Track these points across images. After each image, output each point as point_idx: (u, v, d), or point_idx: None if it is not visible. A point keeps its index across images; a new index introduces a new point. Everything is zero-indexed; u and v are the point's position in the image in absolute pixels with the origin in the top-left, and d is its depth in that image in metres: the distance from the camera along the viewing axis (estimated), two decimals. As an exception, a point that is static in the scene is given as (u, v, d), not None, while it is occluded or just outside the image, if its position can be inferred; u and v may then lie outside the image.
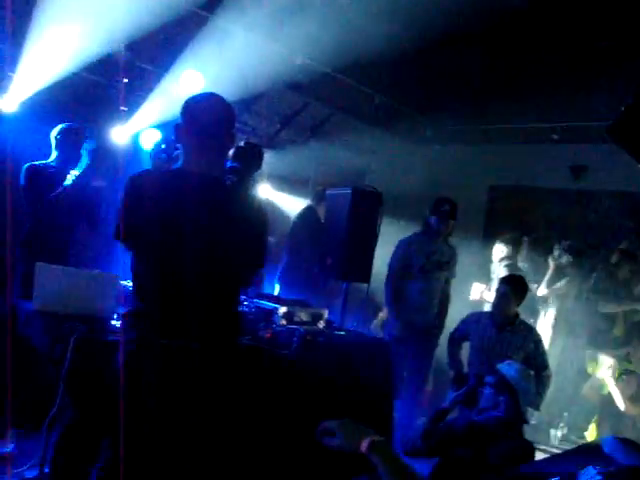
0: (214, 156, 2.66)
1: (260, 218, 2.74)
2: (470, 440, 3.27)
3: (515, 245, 7.04)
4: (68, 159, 4.73)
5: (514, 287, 4.89)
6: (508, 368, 3.66)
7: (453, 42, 5.93)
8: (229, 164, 3.66)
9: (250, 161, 2.96)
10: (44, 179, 4.64)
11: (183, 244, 2.53)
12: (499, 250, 6.98)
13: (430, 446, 3.38)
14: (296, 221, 6.46)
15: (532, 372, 3.95)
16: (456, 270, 5.67)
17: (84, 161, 4.77)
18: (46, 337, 3.44)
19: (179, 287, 2.54)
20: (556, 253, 6.80)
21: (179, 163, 2.67)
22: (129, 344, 2.57)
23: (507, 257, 6.88)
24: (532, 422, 5.13)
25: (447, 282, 5.64)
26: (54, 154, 4.79)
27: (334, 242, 5.02)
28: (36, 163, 4.71)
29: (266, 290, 5.12)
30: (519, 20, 5.57)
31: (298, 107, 7.40)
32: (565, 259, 6.75)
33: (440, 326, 5.58)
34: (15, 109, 5.43)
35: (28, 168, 4.66)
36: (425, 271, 5.44)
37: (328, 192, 5.40)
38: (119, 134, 6.14)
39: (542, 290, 6.62)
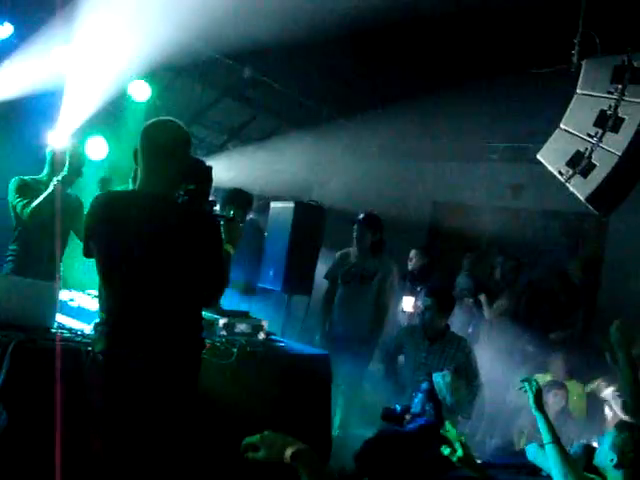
0: (166, 177, 2.79)
1: (212, 234, 2.85)
2: (400, 449, 3.37)
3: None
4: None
5: (439, 299, 4.96)
6: (439, 378, 3.81)
7: (393, 62, 6.10)
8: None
9: (202, 181, 3.03)
10: (34, 193, 4.47)
11: (138, 260, 2.68)
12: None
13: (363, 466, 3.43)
14: None
15: (463, 382, 4.10)
16: (392, 284, 5.67)
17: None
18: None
19: (136, 301, 2.71)
20: (497, 270, 7.00)
21: (136, 184, 2.84)
22: (92, 355, 2.77)
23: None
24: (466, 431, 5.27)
25: (380, 295, 5.58)
26: (46, 170, 4.69)
27: (276, 254, 5.12)
28: (25, 177, 4.58)
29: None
30: (457, 39, 5.77)
31: (246, 119, 7.48)
32: (506, 275, 6.95)
33: (370, 338, 5.53)
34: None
35: (17, 181, 4.50)
36: (345, 282, 5.55)
37: (272, 205, 5.50)
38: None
39: (487, 312, 6.74)
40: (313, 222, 5.17)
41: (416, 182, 8.20)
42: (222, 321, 4.16)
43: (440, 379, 3.84)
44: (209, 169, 3.05)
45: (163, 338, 2.74)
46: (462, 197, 8.35)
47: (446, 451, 2.98)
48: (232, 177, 6.55)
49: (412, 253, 7.33)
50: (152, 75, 6.41)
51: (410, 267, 7.34)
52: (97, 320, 2.87)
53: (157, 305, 2.73)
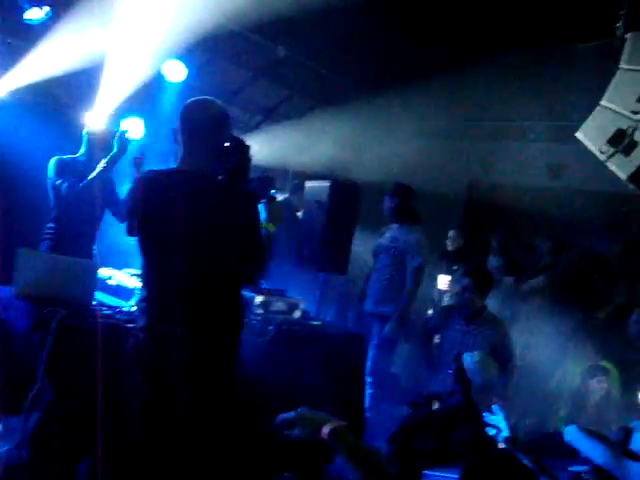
0: (206, 156, 2.83)
1: (251, 212, 2.87)
2: (429, 430, 3.36)
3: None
4: (96, 156, 4.60)
5: (477, 279, 4.89)
6: (470, 359, 3.78)
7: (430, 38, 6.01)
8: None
9: (242, 160, 3.05)
10: (73, 173, 4.52)
11: (179, 238, 2.71)
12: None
13: (396, 448, 3.42)
14: None
15: (496, 364, 4.05)
16: (422, 258, 5.39)
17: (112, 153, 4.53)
18: (26, 321, 3.50)
19: (178, 279, 2.73)
20: (536, 251, 6.90)
21: (176, 162, 2.87)
22: (134, 331, 2.81)
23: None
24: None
25: (409, 269, 5.35)
26: (82, 149, 4.75)
27: (312, 234, 5.11)
28: (64, 157, 4.65)
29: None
30: (495, 13, 5.65)
31: (280, 99, 7.46)
32: (544, 256, 6.85)
33: (394, 314, 5.32)
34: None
35: (56, 161, 4.54)
36: (374, 255, 5.54)
37: (307, 184, 5.48)
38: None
39: (521, 285, 6.69)
40: (349, 200, 5.13)
41: (452, 161, 8.10)
42: (259, 299, 4.20)
43: (469, 359, 3.80)
44: (248, 147, 3.07)
45: (204, 315, 2.77)
46: (499, 176, 8.23)
47: (492, 432, 2.96)
48: (267, 156, 6.56)
49: (450, 233, 7.28)
50: (187, 55, 6.41)
51: (448, 247, 7.29)
52: (139, 297, 2.92)
53: (198, 282, 2.76)
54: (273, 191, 3.30)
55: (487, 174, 8.45)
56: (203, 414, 2.77)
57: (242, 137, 3.33)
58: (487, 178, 8.51)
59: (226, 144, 2.91)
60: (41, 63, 5.90)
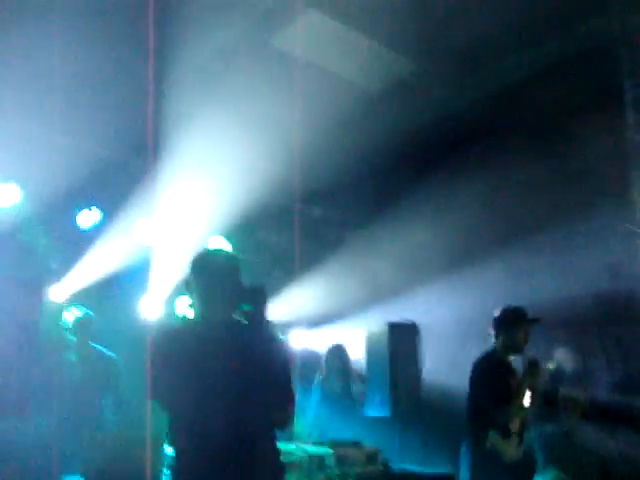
0: (225, 303, 2.80)
1: (282, 353, 2.85)
2: None
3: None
4: None
5: None
6: None
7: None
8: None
9: (258, 303, 3.03)
10: None
11: (215, 391, 2.60)
12: None
13: None
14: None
15: None
16: None
17: None
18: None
19: (217, 433, 2.59)
20: None
21: (194, 314, 2.83)
22: None
23: None
24: None
25: None
26: None
27: (379, 381, 4.99)
28: None
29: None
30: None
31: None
32: None
33: None
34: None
35: None
36: None
37: (367, 331, 5.42)
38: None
39: None
40: (409, 341, 5.05)
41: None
42: (334, 452, 4.00)
43: None
44: (263, 289, 3.05)
45: (244, 467, 2.62)
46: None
47: None
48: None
49: None
50: (230, 231, 6.68)
51: None
52: (169, 461, 2.80)
53: (238, 434, 2.62)
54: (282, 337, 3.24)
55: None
56: None
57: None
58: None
59: (243, 288, 2.88)
60: (95, 264, 6.21)
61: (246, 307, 2.81)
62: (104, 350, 5.14)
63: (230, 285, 2.81)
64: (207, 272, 2.81)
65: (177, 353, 2.67)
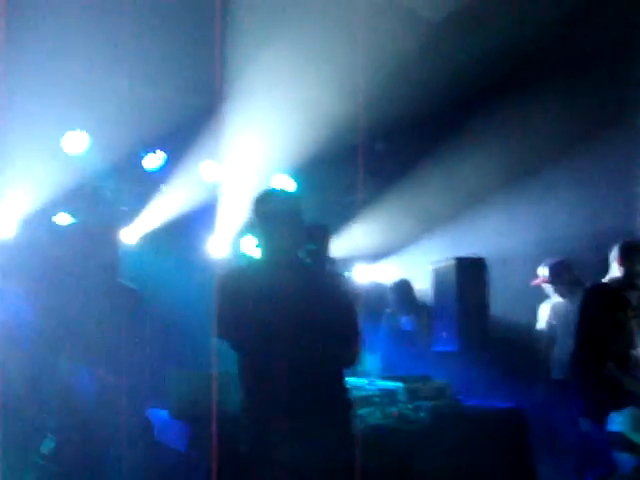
0: (288, 242, 2.83)
1: (346, 290, 2.88)
2: None
3: None
4: None
5: None
6: None
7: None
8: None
9: (321, 241, 3.05)
10: None
11: (279, 331, 2.65)
12: None
13: None
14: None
15: None
16: None
17: None
18: (183, 441, 3.55)
19: (287, 373, 2.65)
20: None
21: (259, 254, 2.88)
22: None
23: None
24: None
25: None
26: None
27: (446, 316, 5.01)
28: None
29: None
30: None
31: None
32: None
33: None
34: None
35: None
36: None
37: (433, 266, 5.42)
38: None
39: None
40: (477, 276, 5.03)
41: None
42: (403, 387, 4.09)
43: None
44: (325, 228, 3.05)
45: (312, 404, 2.69)
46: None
47: None
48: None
49: None
50: (295, 169, 6.70)
51: None
52: (243, 396, 2.84)
53: (302, 373, 2.68)
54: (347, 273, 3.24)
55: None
56: None
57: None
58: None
59: (305, 227, 2.90)
60: (165, 204, 6.35)
61: (309, 245, 2.84)
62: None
63: (292, 225, 2.83)
64: (269, 213, 2.84)
65: (243, 293, 2.71)
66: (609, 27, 5.08)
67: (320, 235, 2.93)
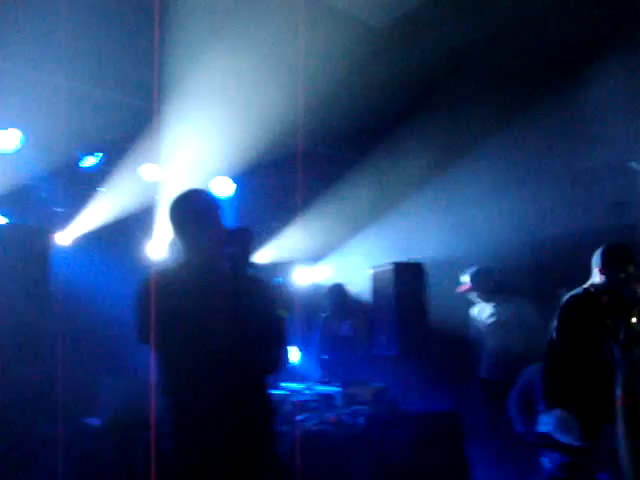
0: (205, 244, 2.75)
1: (267, 297, 2.80)
2: None
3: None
4: None
5: None
6: None
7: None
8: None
9: (242, 244, 2.99)
10: None
11: (199, 335, 2.59)
12: None
13: None
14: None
15: None
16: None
17: None
18: (113, 450, 3.48)
19: (206, 377, 2.60)
20: None
21: (180, 258, 2.79)
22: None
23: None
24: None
25: None
26: None
27: (385, 320, 5.04)
28: None
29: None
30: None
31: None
32: None
33: None
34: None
35: None
36: None
37: (372, 270, 5.44)
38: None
39: None
40: (415, 280, 5.08)
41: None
42: (341, 392, 4.10)
43: None
44: (247, 231, 3.02)
45: (233, 413, 2.63)
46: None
47: None
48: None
49: None
50: (235, 172, 6.63)
51: None
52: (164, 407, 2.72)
53: (221, 377, 2.61)
54: (280, 279, 3.22)
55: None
56: None
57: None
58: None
59: (224, 229, 2.82)
60: (101, 206, 6.21)
61: (229, 248, 2.78)
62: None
63: (209, 226, 2.76)
64: (186, 214, 2.76)
65: (161, 297, 2.61)
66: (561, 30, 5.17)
67: (241, 238, 2.85)
